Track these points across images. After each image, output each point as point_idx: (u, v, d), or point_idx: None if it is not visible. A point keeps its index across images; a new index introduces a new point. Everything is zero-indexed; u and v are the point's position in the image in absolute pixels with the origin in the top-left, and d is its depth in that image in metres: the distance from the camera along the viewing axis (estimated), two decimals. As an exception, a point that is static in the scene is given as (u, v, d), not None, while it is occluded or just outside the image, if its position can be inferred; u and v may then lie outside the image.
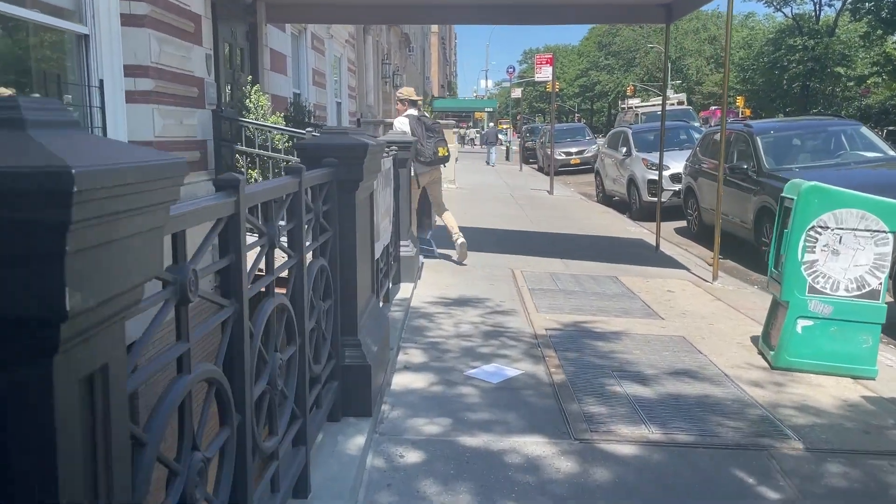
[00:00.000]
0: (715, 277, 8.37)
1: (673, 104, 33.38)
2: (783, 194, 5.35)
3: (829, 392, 4.67)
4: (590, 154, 27.12)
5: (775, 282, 5.27)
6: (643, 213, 14.70)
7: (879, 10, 43.53)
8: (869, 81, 48.54)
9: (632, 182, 15.43)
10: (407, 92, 9.29)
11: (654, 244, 10.59)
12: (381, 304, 5.74)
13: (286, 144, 7.78)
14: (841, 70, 50.08)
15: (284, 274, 2.71)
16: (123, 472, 1.18)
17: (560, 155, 26.01)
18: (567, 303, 6.93)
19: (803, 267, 5.00)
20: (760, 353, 5.44)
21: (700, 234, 12.31)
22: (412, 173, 7.84)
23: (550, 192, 19.04)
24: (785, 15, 55.40)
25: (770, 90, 54.62)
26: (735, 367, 5.13)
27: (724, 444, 3.82)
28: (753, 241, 10.05)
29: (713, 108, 56.18)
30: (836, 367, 4.95)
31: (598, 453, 3.67)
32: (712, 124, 35.97)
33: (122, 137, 6.12)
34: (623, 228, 13.30)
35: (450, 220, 8.85)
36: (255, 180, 7.70)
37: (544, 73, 24.62)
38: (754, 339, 5.78)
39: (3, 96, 3.45)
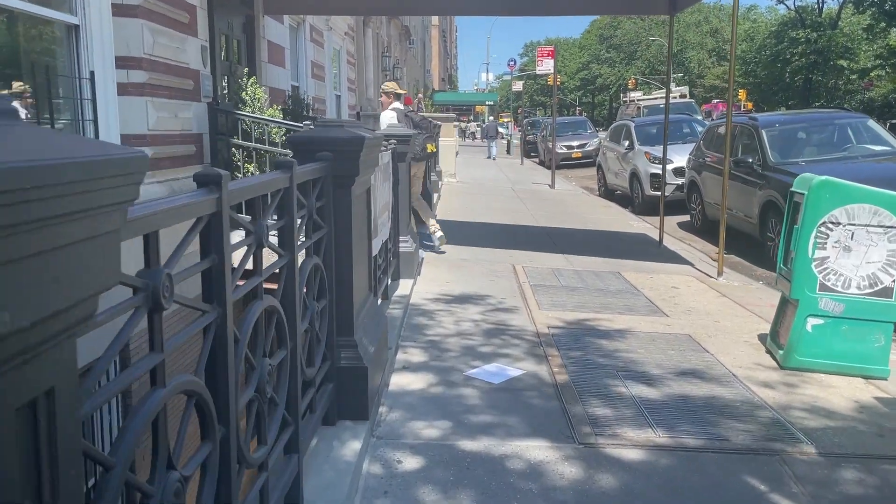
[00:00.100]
0: (720, 273, 8.23)
1: (675, 97, 33.17)
2: (793, 189, 5.20)
3: (840, 393, 4.53)
4: (591, 148, 26.94)
5: (784, 279, 5.13)
6: (646, 208, 14.54)
7: (883, 2, 43.25)
8: (872, 74, 48.25)
9: (634, 176, 15.27)
10: (391, 85, 9.11)
11: (658, 239, 10.45)
12: (379, 301, 5.60)
13: (283, 138, 7.63)
14: (844, 63, 49.83)
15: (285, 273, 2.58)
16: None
17: (561, 148, 25.84)
18: (570, 299, 6.79)
19: (814, 264, 4.85)
20: (769, 351, 5.30)
21: (704, 228, 12.15)
22: None
23: (552, 187, 18.88)
24: (787, 7, 55.16)
25: (772, 83, 54.36)
26: (743, 366, 4.99)
27: (733, 449, 3.68)
28: (758, 237, 9.89)
29: (715, 101, 55.98)
30: (848, 367, 4.81)
31: (603, 458, 3.53)
32: (714, 117, 35.78)
33: (114, 130, 5.97)
34: (625, 223, 13.15)
35: (424, 211, 8.81)
36: (252, 174, 7.55)
37: (546, 66, 24.43)
38: (762, 338, 5.64)
39: None
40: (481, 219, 12.45)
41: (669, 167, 12.73)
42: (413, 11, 22.79)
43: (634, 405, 4.20)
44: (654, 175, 14.39)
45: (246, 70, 8.66)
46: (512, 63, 46.83)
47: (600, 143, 23.82)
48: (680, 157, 13.60)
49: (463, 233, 10.57)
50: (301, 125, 7.40)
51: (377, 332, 4.23)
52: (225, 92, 8.84)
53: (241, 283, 2.18)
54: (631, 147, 15.75)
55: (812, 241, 4.84)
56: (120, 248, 1.08)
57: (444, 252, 8.65)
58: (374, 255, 4.86)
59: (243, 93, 8.10)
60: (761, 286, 8.34)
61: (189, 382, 1.68)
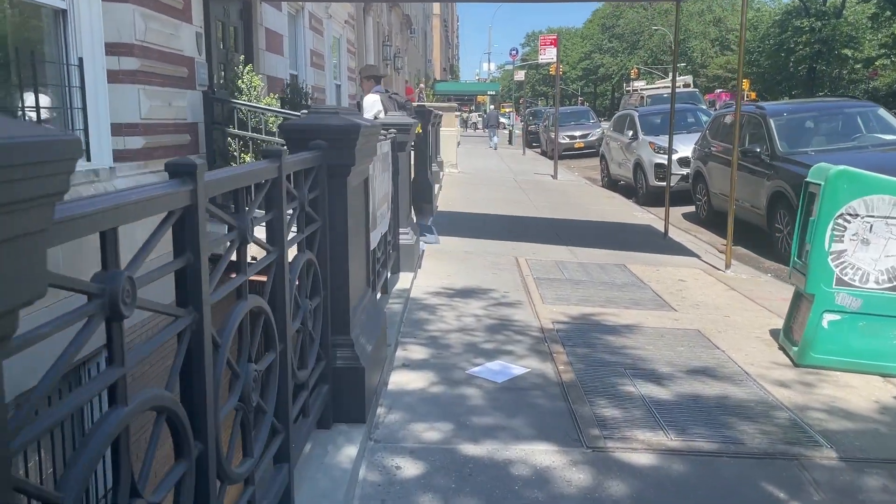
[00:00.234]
0: (728, 266, 8.03)
1: (679, 86, 32.81)
2: (808, 179, 5.00)
3: (858, 392, 4.34)
4: (594, 138, 26.68)
5: (799, 273, 4.94)
6: (650, 198, 14.33)
7: (889, -10, 42.82)
8: (877, 64, 47.84)
9: (638, 166, 15.05)
10: (369, 68, 8.89)
11: (663, 230, 10.25)
12: (378, 295, 5.42)
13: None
14: (848, 52, 49.35)
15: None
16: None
17: (564, 139, 25.57)
18: (574, 293, 6.60)
19: (830, 257, 4.66)
20: (782, 348, 5.11)
21: (709, 219, 11.95)
22: None
23: (554, 177, 18.67)
24: (791, -4, 54.65)
25: (776, 73, 53.90)
26: (756, 364, 4.80)
27: (749, 453, 3.50)
28: (766, 228, 9.69)
29: (718, 90, 55.59)
30: (865, 365, 4.62)
31: (612, 463, 3.35)
32: (718, 107, 35.47)
33: (104, 119, 5.77)
34: (630, 214, 12.95)
35: None
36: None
37: (549, 55, 24.16)
38: (774, 333, 5.45)
39: None
40: (483, 210, 12.25)
41: (674, 157, 12.52)
42: (414, -1, 22.51)
43: (644, 405, 4.01)
44: (658, 165, 14.18)
45: (242, 58, 8.45)
46: (514, 52, 46.50)
47: (603, 133, 23.58)
48: (685, 146, 13.37)
49: (465, 224, 10.38)
50: (298, 114, 7.20)
51: (375, 328, 4.05)
52: (222, 81, 8.64)
53: (233, 275, 2.00)
54: (635, 137, 15.52)
55: (829, 233, 4.64)
56: (46, 253, 0.90)
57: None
58: (372, 248, 4.67)
59: (239, 81, 7.90)
60: (770, 279, 8.15)
61: (157, 398, 1.50)
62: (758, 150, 9.89)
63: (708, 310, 6.19)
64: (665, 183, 12.96)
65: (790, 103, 13.28)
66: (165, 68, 6.85)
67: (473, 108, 66.81)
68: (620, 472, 3.28)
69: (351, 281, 3.48)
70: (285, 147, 2.95)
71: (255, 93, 7.89)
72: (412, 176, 9.08)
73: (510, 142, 37.22)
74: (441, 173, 15.47)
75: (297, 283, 2.81)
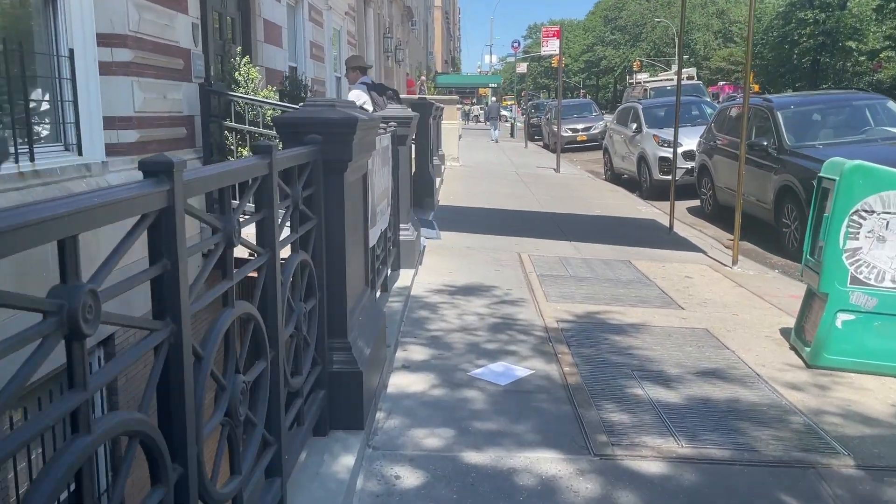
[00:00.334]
0: (735, 262, 7.88)
1: (683, 79, 32.56)
2: (821, 174, 4.84)
3: (874, 395, 4.20)
4: (596, 130, 26.51)
5: (812, 271, 4.78)
6: (654, 192, 14.18)
7: (893, -18, 42.51)
8: (881, 56, 47.55)
9: (642, 159, 14.89)
10: (356, 59, 8.71)
11: (668, 225, 10.10)
12: (378, 293, 5.28)
13: (278, 120, 7.26)
14: (852, 44, 49.07)
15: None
16: None
17: (566, 132, 25.37)
18: (579, 290, 6.45)
19: (845, 255, 4.50)
20: (793, 348, 4.97)
21: (714, 214, 11.80)
22: None
23: (557, 170, 18.49)
24: (795, -13, 54.26)
25: (779, 65, 53.63)
26: (767, 365, 4.66)
27: (763, 461, 3.36)
28: (773, 223, 9.54)
29: (721, 83, 55.33)
30: (880, 367, 4.48)
31: (621, 472, 3.21)
32: (722, 100, 35.25)
33: (95, 112, 5.62)
34: (633, 208, 12.80)
35: None
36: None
37: (551, 47, 23.96)
38: (784, 332, 5.30)
39: None
40: (485, 204, 12.10)
41: (679, 150, 12.35)
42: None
43: (653, 409, 3.87)
44: (662, 159, 14.02)
45: (239, 49, 8.28)
46: (516, 45, 46.22)
47: (606, 125, 23.40)
48: (690, 140, 13.19)
49: (466, 219, 10.23)
50: (296, 107, 7.03)
51: (374, 329, 3.90)
52: (219, 72, 8.47)
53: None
54: (639, 130, 15.35)
55: (843, 230, 4.49)
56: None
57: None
58: (371, 245, 4.52)
59: (236, 73, 7.73)
60: (777, 275, 8.01)
61: (127, 422, 1.35)
62: (765, 143, 9.73)
63: (716, 308, 6.05)
64: (669, 177, 12.83)
65: (798, 96, 13.10)
66: (160, 60, 6.69)
67: (475, 100, 66.56)
68: (629, 481, 3.13)
69: (348, 281, 3.33)
70: (278, 142, 2.80)
71: (253, 85, 7.73)
72: (413, 170, 8.93)
73: (512, 135, 37.03)
74: (442, 167, 15.31)
75: (290, 285, 2.67)
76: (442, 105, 16.13)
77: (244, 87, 7.67)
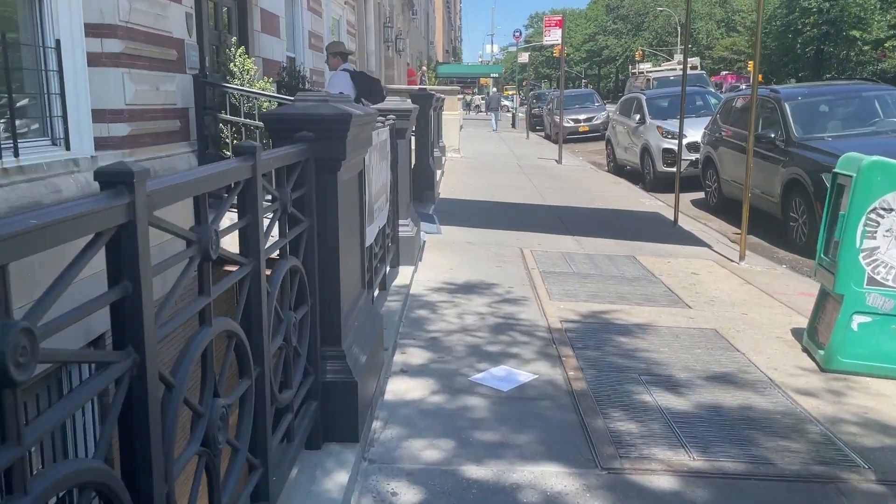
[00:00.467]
0: (742, 257, 7.70)
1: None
2: (836, 170, 4.65)
3: (892, 402, 4.02)
4: (599, 121, 26.25)
5: (826, 271, 4.60)
6: (657, 184, 13.97)
7: (899, -30, 42.10)
8: (886, 45, 47.16)
9: (646, 151, 14.67)
10: (337, 45, 8.49)
11: (672, 218, 9.91)
12: (376, 292, 5.11)
13: (274, 112, 7.07)
14: (856, 33, 48.68)
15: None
16: None
17: (568, 122, 25.09)
18: (582, 288, 6.28)
19: (861, 255, 4.32)
20: (806, 350, 4.79)
21: (719, 206, 11.60)
22: None
23: (559, 162, 18.28)
24: (799, -24, 53.80)
25: (783, 54, 53.22)
26: (779, 369, 4.48)
27: (780, 475, 3.19)
28: (780, 216, 9.36)
29: (724, 73, 54.98)
30: (898, 371, 4.30)
31: (630, 488, 3.04)
32: (725, 90, 34.96)
33: (84, 105, 5.43)
34: (637, 201, 12.60)
35: None
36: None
37: (553, 36, 23.67)
38: (796, 333, 5.13)
39: None
40: (486, 197, 11.91)
41: (683, 142, 12.15)
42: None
43: (662, 418, 3.70)
44: (666, 150, 13.80)
45: (234, 39, 8.08)
46: (517, 34, 45.84)
47: (608, 116, 23.14)
48: (694, 131, 12.97)
49: (467, 213, 10.05)
50: (293, 99, 6.84)
51: (371, 334, 3.73)
52: (215, 63, 8.27)
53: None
54: (642, 121, 15.12)
55: (860, 229, 4.31)
56: None
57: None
58: (368, 244, 4.35)
59: (231, 64, 7.54)
60: (785, 270, 7.83)
61: (80, 473, 1.18)
62: (772, 135, 9.52)
63: (724, 306, 5.87)
64: (673, 168, 12.62)
65: (806, 87, 12.87)
66: (152, 51, 6.50)
67: (476, 90, 66.19)
68: (639, 498, 2.97)
69: (343, 285, 3.16)
70: (261, 143, 2.62)
71: (248, 76, 7.53)
72: (413, 163, 8.74)
73: (513, 125, 36.76)
74: (443, 158, 15.10)
75: (278, 293, 2.50)
76: (443, 95, 15.91)
77: (239, 79, 7.48)
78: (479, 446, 3.36)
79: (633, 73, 38.14)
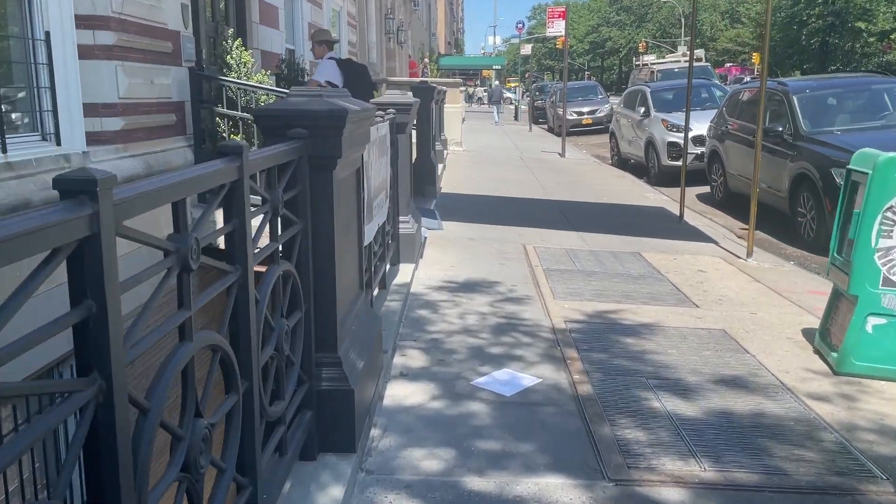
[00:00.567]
0: (749, 254, 7.55)
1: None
2: (851, 166, 4.50)
3: (909, 407, 3.89)
4: (602, 114, 26.05)
5: (840, 270, 4.46)
6: (662, 178, 13.81)
7: (905, -39, 41.74)
8: (892, 37, 46.80)
9: (650, 144, 14.50)
10: (322, 32, 8.32)
11: (678, 214, 9.75)
12: (375, 291, 4.97)
13: (272, 106, 6.92)
14: (862, 25, 48.31)
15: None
16: None
17: (571, 115, 24.90)
18: (587, 286, 6.14)
19: (877, 255, 4.18)
20: (818, 352, 4.66)
21: (725, 201, 11.45)
22: None
23: (562, 155, 18.12)
24: (804, -33, 53.38)
25: (787, 46, 52.85)
26: (791, 372, 4.35)
27: (795, 487, 3.06)
28: (787, 212, 9.20)
29: (728, 64, 54.66)
30: (914, 375, 4.17)
31: (639, 502, 2.91)
32: (729, 82, 34.71)
33: (75, 98, 5.29)
34: (641, 195, 12.44)
35: None
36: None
37: (557, 28, 23.47)
38: (807, 334, 4.99)
39: None
40: (489, 192, 11.76)
41: (689, 135, 11.98)
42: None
43: (671, 425, 3.57)
44: (671, 144, 13.65)
45: (231, 31, 7.93)
46: (520, 26, 45.57)
47: (612, 108, 22.94)
48: (700, 124, 12.77)
49: (469, 208, 9.90)
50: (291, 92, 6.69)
51: (369, 337, 3.60)
52: (212, 56, 8.12)
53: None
54: (647, 114, 14.95)
55: (876, 228, 4.16)
56: None
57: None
58: (367, 243, 4.21)
59: (228, 56, 7.39)
60: (794, 267, 7.68)
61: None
62: (779, 129, 9.36)
63: (732, 306, 5.73)
64: (677, 162, 12.45)
65: (814, 79, 12.67)
66: (147, 43, 6.35)
67: (479, 82, 65.92)
68: (649, 512, 2.84)
69: (339, 289, 3.02)
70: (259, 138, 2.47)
71: (245, 69, 7.39)
72: (414, 158, 8.59)
73: (516, 117, 36.57)
74: (445, 152, 14.94)
75: (269, 300, 2.36)
76: (444, 88, 15.74)
77: (236, 72, 7.33)
78: (481, 456, 3.23)
79: (637, 65, 37.92)
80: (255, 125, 6.75)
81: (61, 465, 1.24)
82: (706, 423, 3.60)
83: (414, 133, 8.50)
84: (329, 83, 7.70)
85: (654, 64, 34.04)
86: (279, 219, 2.50)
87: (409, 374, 4.11)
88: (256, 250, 2.20)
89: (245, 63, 7.39)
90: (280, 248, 2.54)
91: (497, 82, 51.62)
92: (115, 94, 5.82)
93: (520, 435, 3.43)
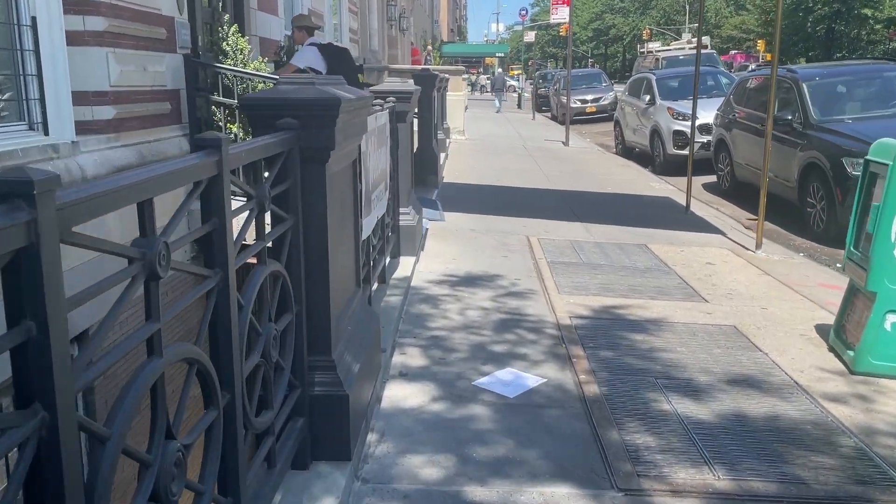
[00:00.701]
0: (758, 245, 7.36)
1: (695, 47, 31.70)
2: (869, 157, 4.31)
3: (931, 410, 3.73)
4: (606, 102, 25.77)
5: (857, 266, 4.28)
6: (667, 167, 13.60)
7: (913, -54, 41.21)
8: (899, 24, 46.31)
9: (655, 133, 14.28)
10: (302, 18, 8.11)
11: (684, 204, 9.56)
12: (374, 286, 4.81)
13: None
14: (868, 12, 47.75)
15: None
16: None
17: (575, 103, 24.61)
18: (593, 280, 5.97)
19: (897, 250, 4.00)
20: (832, 350, 4.49)
21: (732, 191, 11.26)
22: None
23: (566, 144, 17.89)
24: (811, -48, 52.76)
25: (793, 33, 52.28)
26: (805, 371, 4.18)
27: (814, 497, 2.90)
28: (796, 202, 9.01)
29: (733, 52, 54.21)
30: (934, 374, 4.00)
31: (650, 513, 2.75)
32: (734, 69, 34.38)
33: (63, 86, 5.11)
34: (647, 185, 12.24)
35: None
36: (236, 136, 6.71)
37: (560, 15, 23.20)
38: (820, 330, 4.82)
39: None
40: (491, 181, 11.57)
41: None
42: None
43: (682, 429, 3.41)
44: (677, 132, 13.43)
45: (227, 17, 7.73)
46: (523, 13, 45.17)
47: (616, 96, 22.66)
48: (706, 112, 12.53)
49: (472, 198, 9.72)
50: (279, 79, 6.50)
51: (366, 337, 3.44)
52: (207, 42, 7.93)
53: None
54: (652, 102, 14.72)
55: (896, 222, 3.98)
56: None
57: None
58: (365, 237, 4.05)
59: (224, 43, 7.19)
60: (803, 259, 7.51)
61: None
62: (789, 117, 9.15)
63: (742, 300, 5.56)
64: (683, 151, 12.26)
65: (824, 66, 12.42)
66: (140, 29, 6.16)
67: (481, 70, 65.51)
68: (660, 525, 2.68)
69: (333, 288, 2.86)
70: (232, 133, 2.30)
71: (242, 56, 7.19)
72: (415, 147, 8.41)
73: (519, 106, 36.27)
74: (447, 140, 14.74)
75: (256, 303, 2.20)
76: (447, 76, 15.51)
77: (232, 59, 7.14)
78: (482, 463, 3.07)
79: (642, 53, 37.57)
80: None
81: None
82: (719, 427, 3.44)
83: (415, 122, 8.33)
84: (311, 69, 7.49)
85: (658, 51, 33.70)
86: (268, 216, 2.33)
87: (408, 374, 3.95)
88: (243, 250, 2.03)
89: (242, 50, 7.20)
90: (271, 246, 2.38)
91: (500, 69, 51.26)
92: (107, 82, 5.64)
93: (523, 440, 3.28)
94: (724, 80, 15.49)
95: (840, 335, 4.45)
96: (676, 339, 4.63)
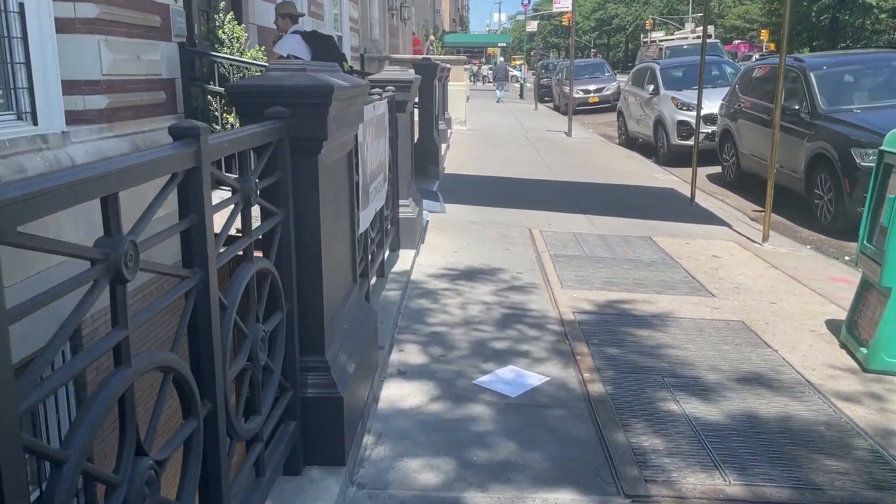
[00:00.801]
0: (765, 238, 7.23)
1: (698, 37, 31.50)
2: (884, 147, 4.17)
3: (948, 410, 3.59)
4: (609, 92, 25.59)
5: (870, 260, 4.15)
6: (671, 158, 13.44)
7: (919, -66, 40.80)
8: (904, 13, 45.93)
9: (659, 123, 14.10)
10: (285, 5, 7.95)
11: (689, 195, 9.41)
12: (373, 281, 4.68)
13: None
14: (873, 1, 47.36)
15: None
16: None
17: (578, 93, 24.39)
18: (597, 274, 5.83)
19: (913, 244, 3.86)
20: (845, 346, 4.36)
21: (737, 182, 11.10)
22: None
23: (568, 134, 17.72)
24: (815, -59, 52.30)
25: (797, 23, 51.89)
26: (817, 368, 4.05)
27: (830, 503, 2.77)
28: (803, 193, 8.86)
29: (737, 41, 53.87)
30: (951, 373, 3.87)
31: (658, 521, 2.63)
32: (738, 59, 34.11)
33: (52, 75, 4.97)
34: (650, 175, 12.09)
35: None
36: (232, 126, 6.56)
37: (563, 4, 22.97)
38: (831, 326, 4.69)
39: None
40: (493, 172, 11.42)
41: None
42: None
43: (691, 431, 3.28)
44: (681, 123, 13.27)
45: (223, 5, 7.57)
46: (526, 2, 44.86)
47: (619, 87, 22.48)
48: (711, 102, 12.32)
49: (473, 189, 9.58)
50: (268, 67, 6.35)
51: (363, 335, 3.31)
52: (204, 31, 7.77)
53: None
54: (656, 92, 14.54)
55: (912, 215, 3.84)
56: None
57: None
58: (362, 231, 3.92)
59: (220, 31, 7.04)
60: (811, 252, 7.37)
61: None
62: (796, 107, 8.98)
63: (750, 294, 5.42)
64: (687, 142, 12.10)
65: (832, 55, 12.25)
66: (133, 16, 6.01)
67: (484, 60, 65.21)
68: (669, 534, 2.56)
69: (326, 285, 2.72)
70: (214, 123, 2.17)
71: (239, 45, 7.04)
72: (416, 137, 8.28)
73: (521, 96, 36.03)
74: (449, 131, 14.58)
75: (242, 303, 2.07)
76: (448, 66, 15.32)
77: (229, 47, 6.99)
78: (483, 467, 2.95)
79: (645, 43, 37.29)
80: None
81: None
82: (729, 429, 3.31)
83: (416, 112, 8.18)
84: (294, 57, 7.33)
85: (662, 41, 33.43)
86: (252, 210, 2.19)
87: (406, 373, 3.82)
88: (222, 249, 1.90)
89: (238, 38, 7.06)
90: (253, 245, 2.24)
91: (502, 59, 50.99)
92: (99, 71, 5.50)
93: (526, 442, 3.15)
94: (728, 70, 15.31)
95: (852, 331, 4.32)
96: (683, 335, 4.50)
